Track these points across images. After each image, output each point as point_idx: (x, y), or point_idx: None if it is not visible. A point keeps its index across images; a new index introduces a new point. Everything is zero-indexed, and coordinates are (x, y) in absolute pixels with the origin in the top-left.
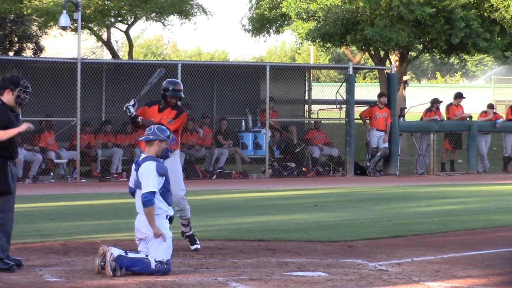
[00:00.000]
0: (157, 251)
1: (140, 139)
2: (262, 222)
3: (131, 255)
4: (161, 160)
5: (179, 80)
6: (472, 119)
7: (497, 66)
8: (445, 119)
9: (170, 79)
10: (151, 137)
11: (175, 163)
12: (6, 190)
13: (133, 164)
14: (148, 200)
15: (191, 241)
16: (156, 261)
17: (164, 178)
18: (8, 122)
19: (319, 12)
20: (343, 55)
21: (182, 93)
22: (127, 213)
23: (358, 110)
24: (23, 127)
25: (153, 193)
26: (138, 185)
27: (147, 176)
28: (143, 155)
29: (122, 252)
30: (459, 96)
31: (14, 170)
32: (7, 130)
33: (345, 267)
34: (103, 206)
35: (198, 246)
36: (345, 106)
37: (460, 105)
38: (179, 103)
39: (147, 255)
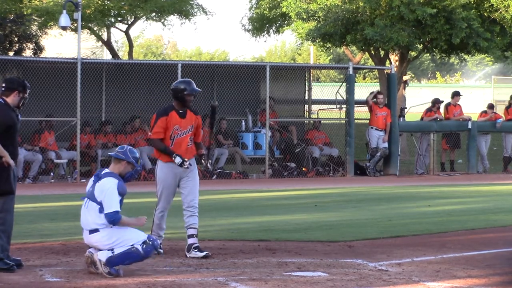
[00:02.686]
0: (131, 238)
1: (110, 153)
2: (262, 222)
3: (117, 250)
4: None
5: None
6: (472, 120)
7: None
8: (444, 119)
9: (180, 80)
10: (121, 155)
11: (195, 169)
12: (8, 190)
13: (93, 176)
14: (115, 219)
15: (200, 250)
16: (140, 244)
17: (122, 198)
18: (10, 122)
19: (319, 12)
20: (343, 55)
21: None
22: (126, 213)
23: (358, 110)
24: (12, 162)
25: (118, 212)
26: (90, 196)
27: (110, 196)
28: (106, 170)
29: (108, 253)
30: (456, 94)
31: (15, 170)
32: (3, 150)
33: (345, 267)
34: None
35: (209, 253)
36: (345, 106)
37: (458, 104)
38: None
39: (132, 245)
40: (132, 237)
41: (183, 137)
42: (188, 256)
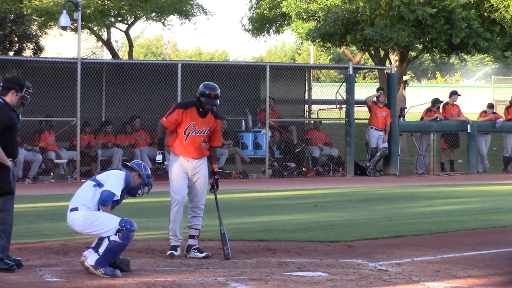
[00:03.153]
0: (103, 223)
1: (126, 163)
2: (262, 222)
3: (100, 249)
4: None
5: (216, 85)
6: (471, 123)
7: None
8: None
9: (208, 83)
10: (135, 166)
11: (205, 170)
12: (8, 190)
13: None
14: (107, 201)
15: (200, 251)
16: (115, 234)
17: (125, 191)
18: (11, 123)
19: (319, 12)
20: (343, 55)
21: (218, 100)
22: (126, 213)
23: (358, 110)
24: (10, 165)
25: (114, 195)
26: (92, 178)
27: (116, 179)
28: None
29: (95, 255)
30: (454, 93)
31: (14, 170)
32: (1, 153)
33: (345, 267)
34: None
35: (209, 254)
36: (345, 106)
37: (456, 104)
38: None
39: (107, 237)
40: (105, 222)
41: (197, 136)
42: (187, 256)
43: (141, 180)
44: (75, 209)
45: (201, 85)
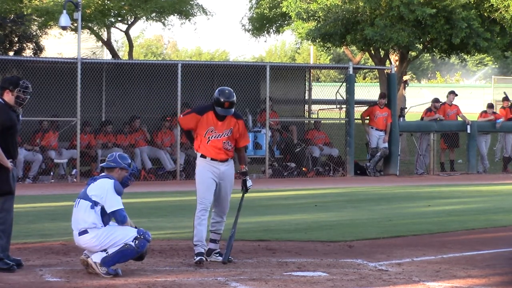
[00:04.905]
0: (120, 237)
1: (101, 165)
2: (262, 222)
3: (111, 250)
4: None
5: (231, 91)
6: (470, 124)
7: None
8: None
9: (223, 89)
10: (112, 164)
11: (232, 175)
12: (7, 190)
13: (90, 179)
14: (124, 218)
15: (220, 254)
16: (132, 241)
17: (120, 197)
18: (10, 123)
19: (319, 12)
20: (343, 55)
21: (233, 109)
22: (127, 213)
23: (358, 110)
24: (10, 166)
25: (122, 209)
26: (82, 195)
27: (110, 195)
28: (103, 174)
29: (102, 254)
30: (451, 93)
31: (14, 171)
32: (1, 153)
33: (345, 267)
34: None
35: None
36: (345, 106)
37: (454, 104)
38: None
39: (125, 243)
40: (121, 236)
41: (218, 139)
42: (208, 260)
43: (125, 172)
44: (85, 232)
45: (217, 90)
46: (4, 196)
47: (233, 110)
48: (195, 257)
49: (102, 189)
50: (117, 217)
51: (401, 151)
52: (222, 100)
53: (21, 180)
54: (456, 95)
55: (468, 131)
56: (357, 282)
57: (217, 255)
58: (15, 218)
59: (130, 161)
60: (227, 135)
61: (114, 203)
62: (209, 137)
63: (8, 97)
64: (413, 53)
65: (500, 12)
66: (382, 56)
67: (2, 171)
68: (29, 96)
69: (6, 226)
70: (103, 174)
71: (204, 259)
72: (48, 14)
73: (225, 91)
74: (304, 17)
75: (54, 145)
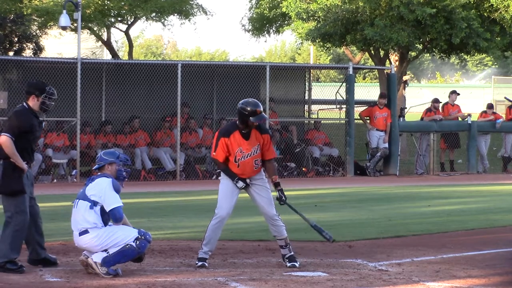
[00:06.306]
0: (121, 238)
1: (93, 168)
2: (262, 222)
3: (112, 250)
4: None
5: (255, 100)
6: (471, 118)
7: (497, 66)
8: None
9: (248, 101)
10: (100, 163)
11: (266, 181)
12: (18, 189)
13: (88, 180)
14: (120, 216)
15: (290, 260)
16: (133, 241)
17: (118, 195)
18: (31, 128)
19: (319, 12)
20: (343, 55)
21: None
22: (126, 213)
23: (358, 110)
24: (25, 167)
25: (120, 207)
26: (81, 196)
27: (108, 193)
28: (99, 174)
29: (103, 254)
30: (453, 93)
31: (29, 172)
32: (17, 155)
33: (345, 267)
34: None
35: (297, 264)
36: (345, 106)
37: (456, 104)
38: None
39: (127, 243)
40: (123, 236)
41: (247, 160)
42: (287, 266)
43: (115, 165)
44: (85, 232)
45: (241, 105)
46: (16, 197)
47: (264, 115)
48: (197, 262)
49: (100, 188)
50: (115, 214)
51: (401, 151)
52: (254, 109)
53: None
54: (458, 94)
55: (469, 121)
56: (357, 282)
57: (287, 260)
58: None
59: (118, 154)
60: (255, 153)
61: (113, 200)
62: (238, 160)
63: (33, 102)
64: (413, 53)
65: (500, 12)
66: (382, 56)
67: (16, 171)
68: (53, 103)
69: (21, 227)
70: (99, 174)
71: (206, 264)
72: (48, 14)
73: (251, 102)
74: (304, 17)
75: (59, 145)
